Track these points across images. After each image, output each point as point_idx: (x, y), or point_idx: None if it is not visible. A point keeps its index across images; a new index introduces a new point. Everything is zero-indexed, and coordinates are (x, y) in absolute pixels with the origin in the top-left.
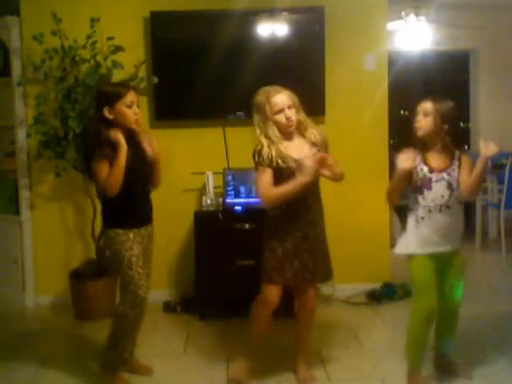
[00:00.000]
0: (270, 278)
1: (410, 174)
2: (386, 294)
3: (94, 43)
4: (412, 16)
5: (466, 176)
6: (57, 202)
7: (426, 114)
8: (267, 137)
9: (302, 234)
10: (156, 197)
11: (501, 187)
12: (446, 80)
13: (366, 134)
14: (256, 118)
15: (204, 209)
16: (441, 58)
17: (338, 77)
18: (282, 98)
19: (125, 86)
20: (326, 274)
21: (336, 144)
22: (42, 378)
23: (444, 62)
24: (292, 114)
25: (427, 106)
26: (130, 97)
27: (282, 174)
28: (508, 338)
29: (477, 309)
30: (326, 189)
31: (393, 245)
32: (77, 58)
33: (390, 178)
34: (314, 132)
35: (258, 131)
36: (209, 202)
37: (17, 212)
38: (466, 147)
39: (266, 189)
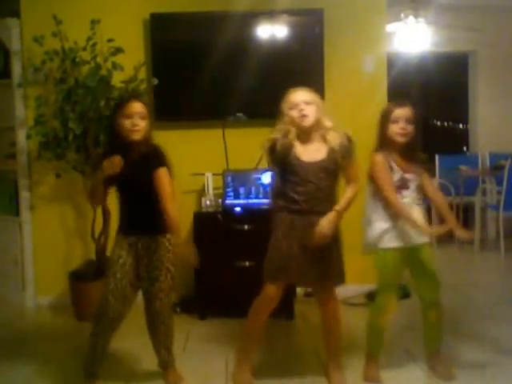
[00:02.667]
0: (272, 275)
1: None
2: None
3: (94, 45)
4: (411, 18)
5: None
6: (57, 203)
7: (409, 122)
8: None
9: (303, 236)
10: None
11: (499, 189)
12: (445, 81)
13: (366, 136)
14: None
15: (203, 210)
16: (440, 60)
17: (337, 78)
18: (297, 95)
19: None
20: (330, 279)
21: None
22: (42, 379)
23: (443, 64)
24: (308, 108)
25: (409, 113)
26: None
27: (285, 170)
28: (508, 339)
29: (475, 310)
30: None
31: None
32: (77, 60)
33: None
34: (334, 135)
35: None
36: (208, 203)
37: (17, 213)
38: (465, 148)
39: None
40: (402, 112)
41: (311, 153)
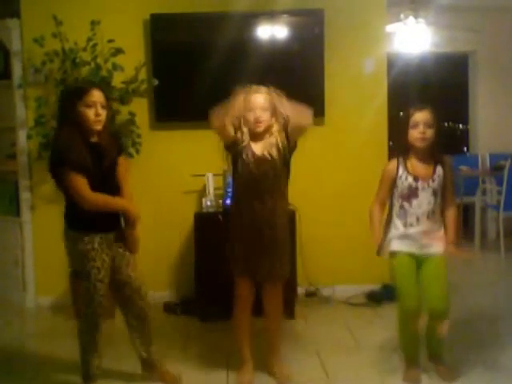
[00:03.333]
0: (234, 272)
1: (393, 183)
2: (385, 295)
3: (94, 46)
4: (411, 18)
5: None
6: (57, 204)
7: (429, 126)
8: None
9: (257, 233)
10: (156, 198)
11: (500, 189)
12: (445, 82)
13: (366, 136)
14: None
15: (204, 210)
16: (440, 60)
17: (337, 79)
18: (257, 98)
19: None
20: (278, 275)
21: (335, 145)
22: (43, 379)
23: (443, 64)
24: (263, 115)
25: (429, 117)
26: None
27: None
28: (508, 340)
29: (475, 310)
30: (326, 190)
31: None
32: (77, 61)
33: None
34: (280, 136)
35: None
36: (209, 203)
37: (17, 213)
38: (465, 149)
39: None
40: (422, 116)
41: (261, 151)
